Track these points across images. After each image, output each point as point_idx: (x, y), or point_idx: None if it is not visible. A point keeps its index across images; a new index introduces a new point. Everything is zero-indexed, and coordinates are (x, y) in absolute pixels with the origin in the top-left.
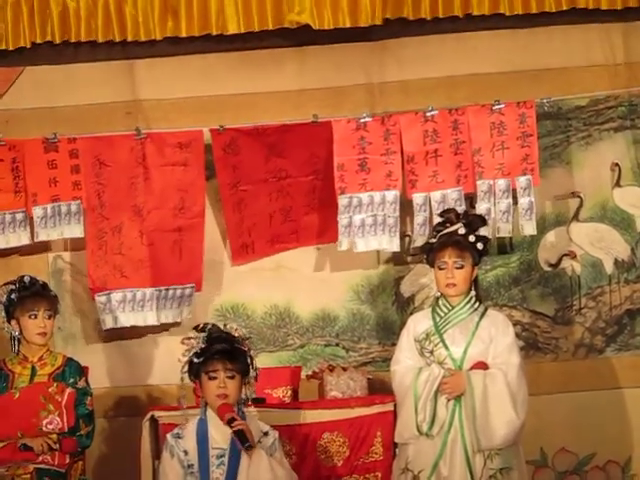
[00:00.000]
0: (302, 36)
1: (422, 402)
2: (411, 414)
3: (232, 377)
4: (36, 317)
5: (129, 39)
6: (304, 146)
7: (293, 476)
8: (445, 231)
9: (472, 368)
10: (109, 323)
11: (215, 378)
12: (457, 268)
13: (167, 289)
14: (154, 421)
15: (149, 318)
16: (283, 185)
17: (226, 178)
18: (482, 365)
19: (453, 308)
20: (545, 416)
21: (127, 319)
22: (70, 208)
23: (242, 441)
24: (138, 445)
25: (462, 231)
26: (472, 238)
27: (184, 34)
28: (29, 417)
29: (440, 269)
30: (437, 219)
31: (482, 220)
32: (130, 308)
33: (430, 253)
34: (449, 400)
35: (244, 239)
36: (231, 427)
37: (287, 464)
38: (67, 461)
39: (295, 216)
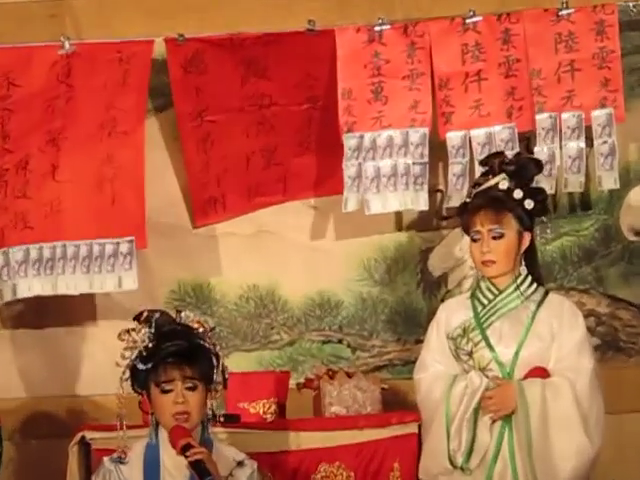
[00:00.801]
0: None
1: (457, 424)
2: (442, 439)
3: (193, 388)
4: None
5: None
6: (296, 63)
7: None
8: (482, 186)
9: (527, 376)
10: (7, 294)
11: (170, 391)
12: (495, 238)
13: (89, 243)
14: (85, 445)
15: (62, 285)
16: (266, 115)
17: (186, 105)
18: (540, 372)
19: (500, 293)
20: (625, 441)
21: (31, 287)
22: None
23: (201, 475)
24: (62, 476)
25: (504, 185)
26: (518, 194)
27: None
28: None
29: (474, 240)
30: (479, 168)
31: (537, 165)
32: (35, 271)
33: (463, 217)
34: (494, 421)
35: (211, 191)
36: (186, 457)
37: None
38: None
39: (281, 158)
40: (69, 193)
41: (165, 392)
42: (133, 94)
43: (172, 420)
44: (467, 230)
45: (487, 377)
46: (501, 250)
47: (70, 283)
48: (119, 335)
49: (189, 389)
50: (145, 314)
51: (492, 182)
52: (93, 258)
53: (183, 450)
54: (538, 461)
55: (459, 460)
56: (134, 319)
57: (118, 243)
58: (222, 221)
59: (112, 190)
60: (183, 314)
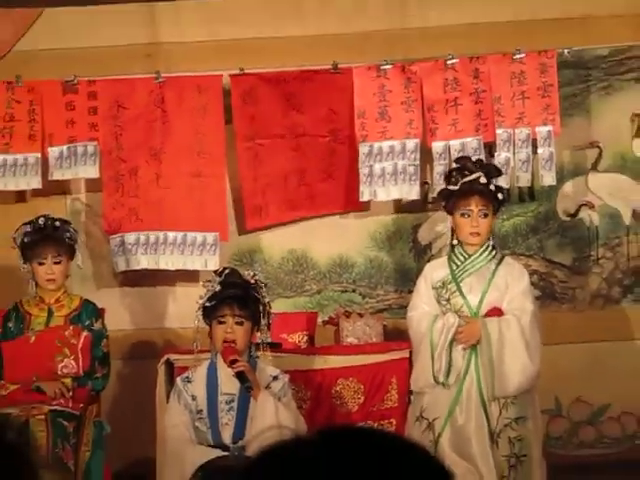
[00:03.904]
0: None
1: (438, 351)
2: (427, 362)
3: (240, 323)
4: (44, 264)
5: None
6: (322, 99)
7: (300, 420)
8: (467, 178)
9: (487, 315)
10: (122, 265)
11: (223, 323)
12: (482, 217)
13: (185, 234)
14: (170, 364)
15: (162, 262)
16: (300, 143)
17: (243, 129)
18: (497, 312)
19: (470, 257)
20: (561, 366)
21: (139, 261)
22: (86, 149)
23: (242, 382)
24: (153, 388)
25: (483, 180)
26: (493, 187)
27: None
28: (45, 361)
29: (464, 216)
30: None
31: (498, 170)
32: (143, 250)
33: (450, 200)
34: (465, 349)
35: (258, 200)
36: (232, 368)
37: (294, 408)
38: (82, 404)
39: (309, 180)
40: (169, 196)
41: (220, 324)
42: (212, 120)
43: (221, 343)
44: (453, 209)
45: (459, 317)
46: (485, 226)
47: (168, 261)
48: (202, 283)
49: (237, 324)
50: (220, 269)
51: (474, 176)
52: (187, 244)
53: (231, 363)
54: (496, 377)
55: (440, 378)
56: (213, 272)
57: (206, 236)
58: (266, 225)
59: (200, 197)
60: (245, 272)
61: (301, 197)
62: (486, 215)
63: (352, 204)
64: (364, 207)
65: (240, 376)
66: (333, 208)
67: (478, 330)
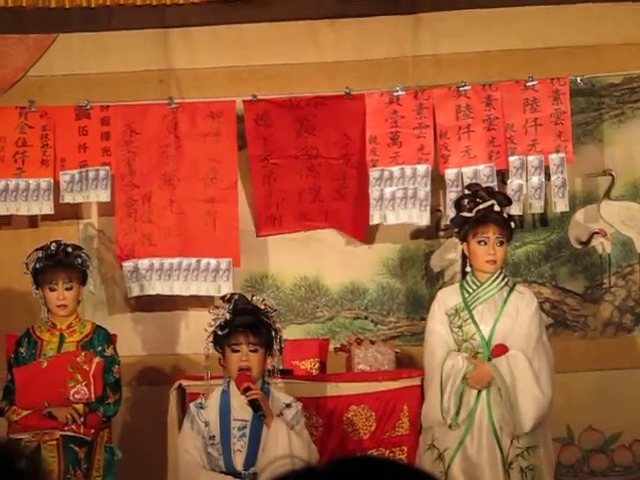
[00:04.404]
0: (337, 7)
1: (447, 393)
2: (437, 401)
3: (255, 350)
4: (55, 289)
5: (167, 2)
6: (335, 124)
7: (312, 448)
8: (482, 205)
9: (493, 353)
10: (135, 291)
11: (238, 351)
12: (498, 245)
13: (198, 260)
14: (181, 390)
15: (176, 288)
16: (314, 164)
17: (257, 150)
18: (502, 349)
19: (482, 284)
20: (572, 394)
21: (153, 287)
22: (98, 173)
23: (255, 410)
24: (165, 414)
25: (497, 208)
26: (505, 215)
27: None
28: (56, 387)
29: (480, 244)
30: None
31: (508, 199)
32: (157, 276)
33: (464, 227)
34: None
35: (272, 211)
36: (246, 396)
37: (307, 436)
38: (93, 429)
39: (323, 197)
40: (182, 222)
41: (234, 352)
42: (225, 145)
43: (236, 372)
44: (467, 236)
45: (468, 360)
46: (501, 254)
47: (182, 287)
48: (209, 309)
49: (252, 351)
50: (228, 295)
51: (488, 204)
52: (200, 270)
53: (245, 391)
54: (513, 417)
55: (449, 420)
56: (220, 298)
57: (219, 262)
58: (279, 233)
59: (214, 223)
60: (254, 297)
61: (315, 211)
62: (502, 243)
63: (359, 232)
64: (369, 239)
65: (253, 404)
66: (345, 227)
67: (487, 375)
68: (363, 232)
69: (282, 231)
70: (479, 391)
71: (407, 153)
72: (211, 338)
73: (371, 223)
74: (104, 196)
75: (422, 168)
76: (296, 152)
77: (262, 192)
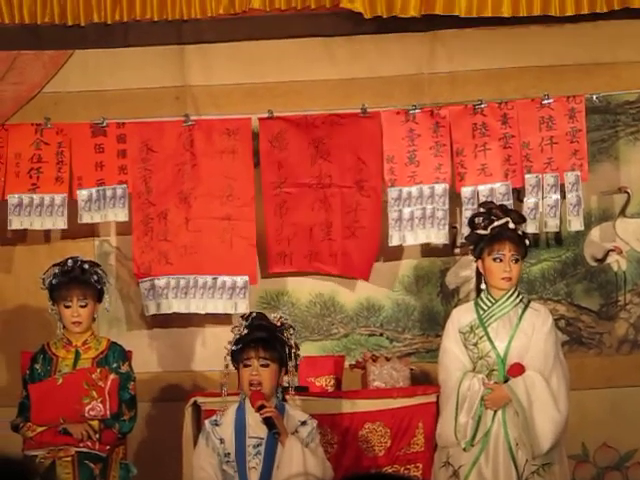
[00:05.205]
0: (353, 24)
1: (462, 415)
2: (452, 421)
3: (266, 365)
4: (70, 306)
5: (184, 17)
6: (350, 145)
7: (326, 466)
8: (497, 223)
9: (509, 372)
10: (152, 309)
11: (249, 366)
12: (514, 262)
13: (215, 278)
14: (197, 407)
15: (193, 306)
16: (326, 194)
17: (271, 176)
18: (519, 368)
19: (497, 301)
20: (587, 411)
21: (170, 305)
22: (115, 192)
23: (269, 428)
24: (180, 430)
25: (512, 225)
26: (520, 233)
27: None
28: (72, 403)
29: (496, 261)
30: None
31: (521, 217)
32: (174, 294)
33: (479, 244)
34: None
35: (283, 247)
36: (260, 414)
37: (322, 454)
38: (108, 446)
39: (334, 235)
40: (199, 240)
41: (246, 367)
42: (241, 163)
43: (248, 387)
44: (483, 253)
45: (484, 385)
46: (517, 271)
47: (199, 304)
48: (232, 329)
49: (263, 366)
50: (247, 313)
51: (503, 221)
52: (217, 288)
53: (259, 409)
54: (531, 439)
55: (463, 444)
56: (240, 316)
57: (235, 280)
58: (289, 271)
59: (231, 240)
60: (273, 315)
61: (325, 252)
62: (517, 260)
63: (365, 272)
64: (385, 256)
65: (268, 422)
66: (353, 271)
67: (504, 397)
68: (369, 272)
69: (292, 270)
70: (494, 413)
71: (424, 172)
72: (229, 355)
73: (390, 244)
74: (122, 215)
75: (440, 187)
76: (310, 180)
77: (274, 225)
